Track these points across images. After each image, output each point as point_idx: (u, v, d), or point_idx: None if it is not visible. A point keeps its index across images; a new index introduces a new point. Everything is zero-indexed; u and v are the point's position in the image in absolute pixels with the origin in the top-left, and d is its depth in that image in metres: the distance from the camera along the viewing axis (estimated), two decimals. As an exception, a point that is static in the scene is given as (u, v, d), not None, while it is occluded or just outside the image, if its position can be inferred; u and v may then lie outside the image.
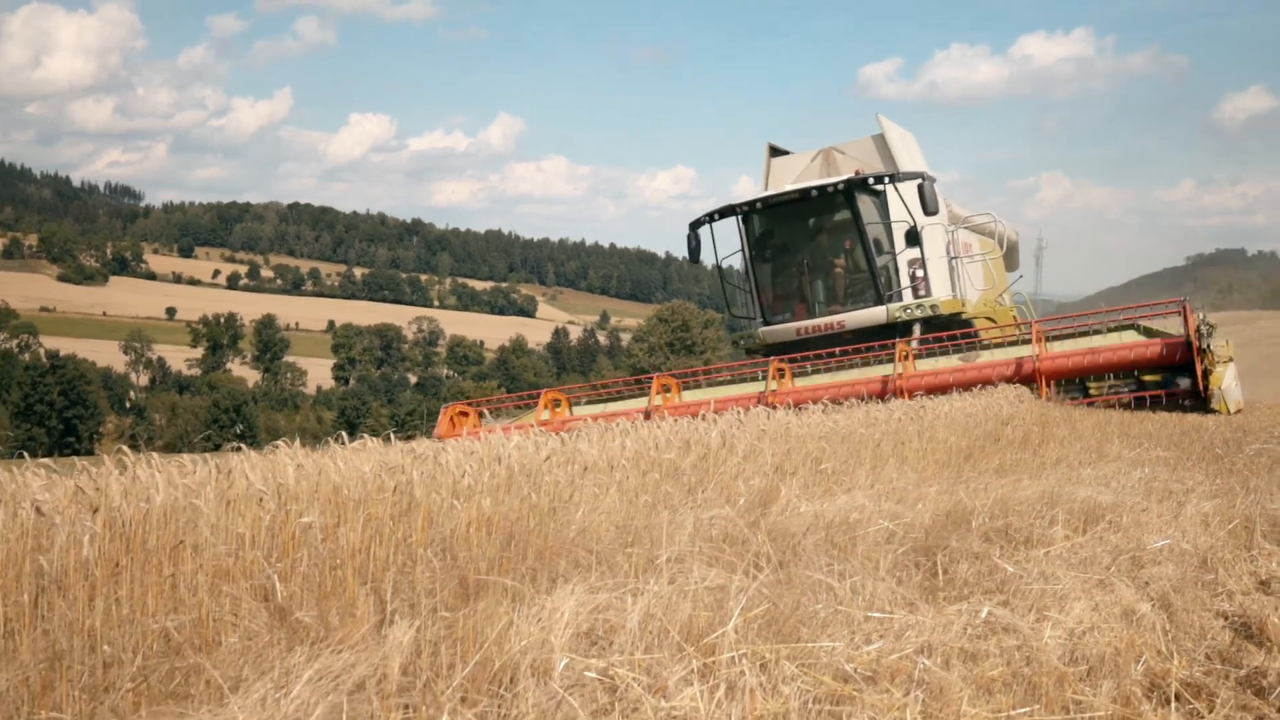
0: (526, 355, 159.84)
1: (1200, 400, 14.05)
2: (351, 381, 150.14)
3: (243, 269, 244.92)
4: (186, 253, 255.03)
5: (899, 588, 3.81)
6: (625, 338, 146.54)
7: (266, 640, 3.19)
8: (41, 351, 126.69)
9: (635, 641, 3.11)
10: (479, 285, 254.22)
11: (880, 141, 19.10)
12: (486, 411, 17.95)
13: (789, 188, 18.16)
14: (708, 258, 18.83)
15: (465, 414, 17.38)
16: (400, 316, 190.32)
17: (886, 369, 14.77)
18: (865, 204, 17.46)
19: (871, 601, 3.62)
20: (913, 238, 17.05)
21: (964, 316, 17.83)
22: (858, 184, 17.13)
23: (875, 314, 17.09)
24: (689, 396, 16.20)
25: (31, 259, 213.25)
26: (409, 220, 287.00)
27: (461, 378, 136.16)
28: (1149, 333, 14.87)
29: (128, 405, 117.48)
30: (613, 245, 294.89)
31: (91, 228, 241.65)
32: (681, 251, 19.02)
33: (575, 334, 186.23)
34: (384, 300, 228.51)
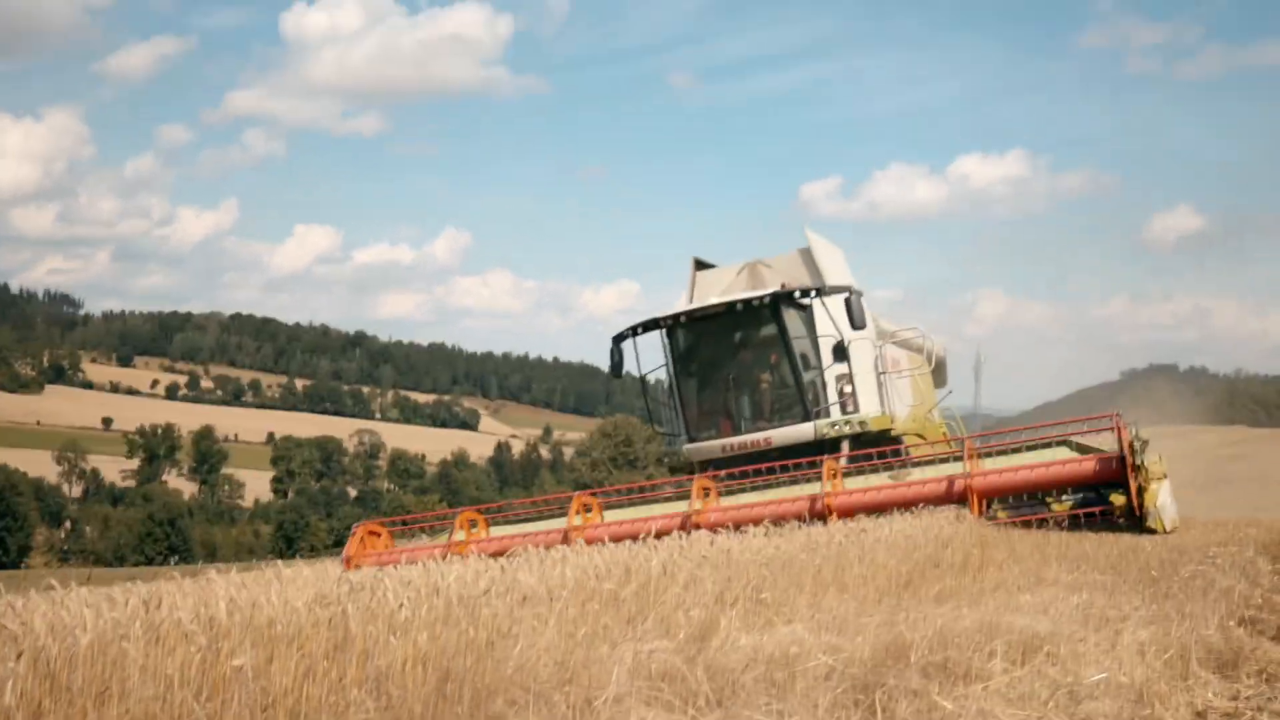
0: (469, 469, 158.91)
1: (1135, 519, 13.87)
2: (290, 494, 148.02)
3: (182, 379, 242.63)
4: (125, 362, 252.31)
5: (839, 728, 3.80)
6: (568, 452, 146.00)
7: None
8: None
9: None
10: (421, 398, 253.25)
11: (807, 255, 18.91)
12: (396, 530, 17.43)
13: (712, 301, 17.89)
14: (639, 371, 18.64)
15: (376, 534, 16.86)
16: (341, 429, 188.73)
17: (815, 487, 14.39)
18: (791, 318, 17.30)
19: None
20: (840, 353, 16.96)
21: (893, 433, 17.56)
22: (783, 298, 16.99)
23: (803, 430, 16.85)
24: (611, 516, 15.76)
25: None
26: (352, 332, 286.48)
27: (403, 491, 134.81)
28: (1082, 449, 14.68)
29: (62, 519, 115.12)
30: (556, 359, 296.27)
31: (29, 335, 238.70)
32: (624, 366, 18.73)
33: (518, 448, 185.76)
34: (325, 412, 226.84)
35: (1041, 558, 10.08)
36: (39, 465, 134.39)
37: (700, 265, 20.06)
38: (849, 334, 16.68)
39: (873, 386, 17.55)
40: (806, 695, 4.06)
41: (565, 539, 13.45)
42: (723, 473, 16.01)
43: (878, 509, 13.39)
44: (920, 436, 19.02)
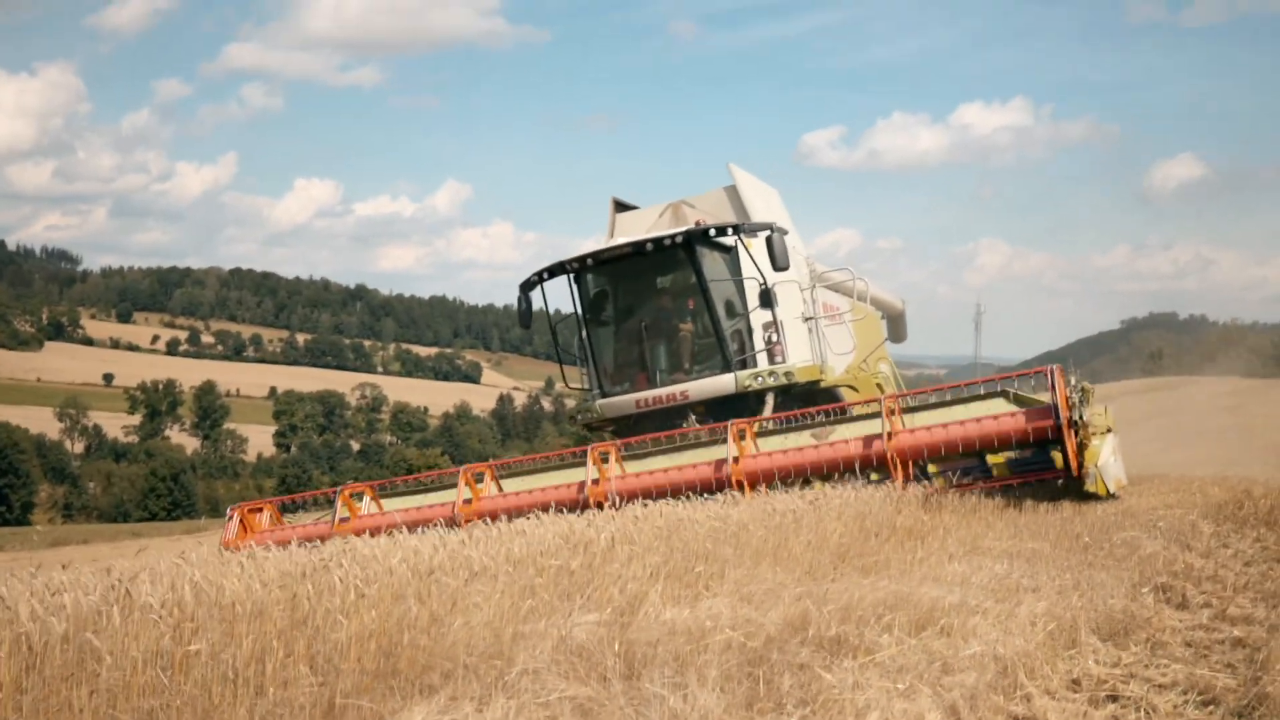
0: (471, 422, 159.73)
1: (1073, 479, 12.52)
2: (293, 449, 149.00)
3: (183, 335, 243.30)
4: (125, 318, 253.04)
5: (724, 698, 4.32)
6: (570, 403, 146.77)
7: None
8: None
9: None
10: (423, 351, 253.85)
11: (733, 193, 17.48)
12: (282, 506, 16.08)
13: (621, 240, 16.47)
14: (558, 324, 17.46)
15: (259, 511, 15.62)
16: (343, 383, 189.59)
17: (724, 450, 12.92)
18: (713, 260, 15.99)
19: (695, 714, 4.12)
20: (767, 298, 15.61)
21: (823, 385, 16.28)
22: (698, 236, 15.49)
23: (723, 382, 15.45)
24: (510, 487, 14.50)
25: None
26: (353, 286, 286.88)
27: (405, 444, 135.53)
28: (1022, 402, 12.92)
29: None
30: (558, 310, 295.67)
31: (27, 292, 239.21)
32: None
33: (520, 400, 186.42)
34: (327, 366, 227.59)
35: (985, 525, 10.51)
36: (41, 422, 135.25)
37: (620, 206, 18.66)
38: (773, 276, 15.42)
39: (802, 334, 16.48)
40: (703, 669, 4.58)
41: (452, 517, 12.84)
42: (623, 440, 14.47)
43: (791, 474, 12.55)
44: (854, 390, 17.66)
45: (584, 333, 17.17)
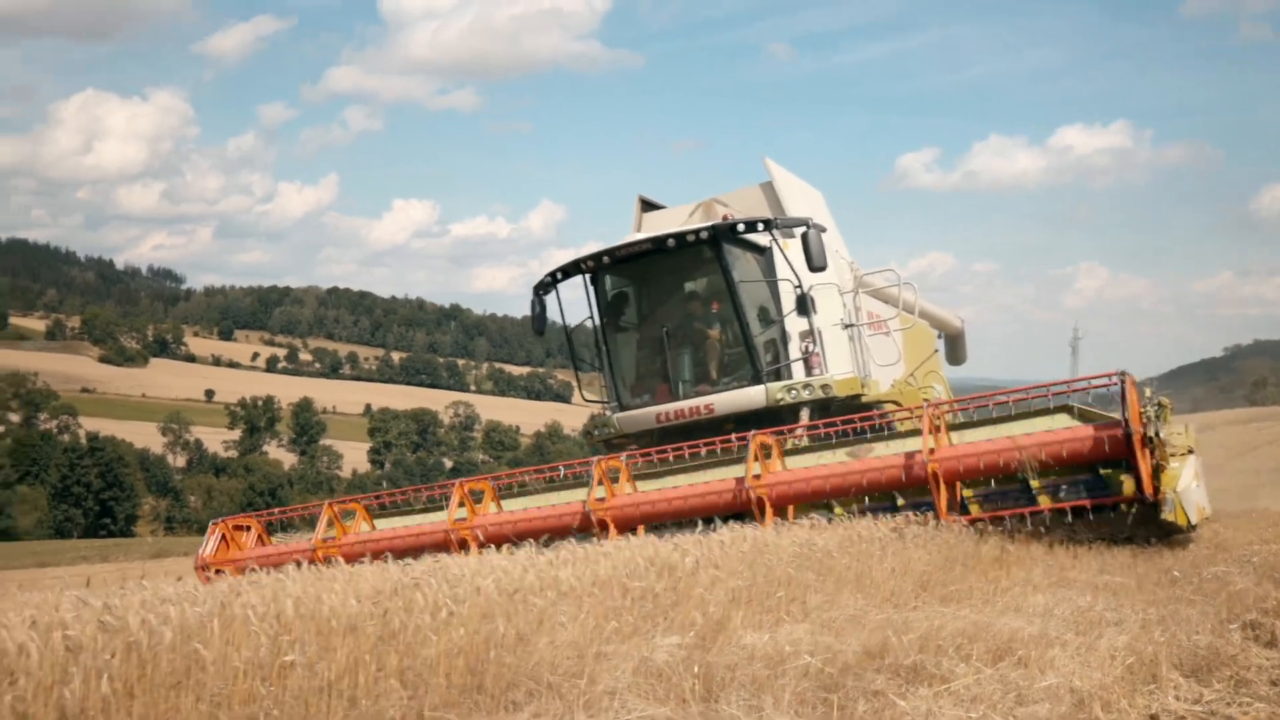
0: (562, 440, 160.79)
1: (1146, 508, 10.92)
2: (387, 465, 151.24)
3: (281, 352, 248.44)
4: (226, 335, 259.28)
5: (798, 723, 4.43)
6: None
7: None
8: (81, 433, 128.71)
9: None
10: (515, 370, 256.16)
11: (769, 190, 16.22)
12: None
13: (639, 236, 15.25)
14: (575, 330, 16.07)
15: (243, 529, 14.82)
16: (437, 401, 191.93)
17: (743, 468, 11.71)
18: (744, 260, 14.65)
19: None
20: (804, 303, 14.28)
21: (865, 400, 14.65)
22: (725, 231, 14.21)
23: (752, 395, 14.15)
24: (510, 506, 13.56)
25: (73, 340, 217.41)
26: (447, 305, 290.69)
27: (497, 462, 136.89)
28: (1085, 418, 11.41)
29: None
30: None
31: (133, 310, 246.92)
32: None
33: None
34: (421, 384, 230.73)
35: (1071, 557, 10.43)
36: (145, 437, 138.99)
37: (648, 205, 17.36)
38: (810, 279, 14.15)
39: (843, 344, 14.94)
40: (778, 693, 4.69)
41: (446, 540, 12.37)
42: (633, 453, 13.53)
43: (820, 497, 11.53)
44: (898, 405, 15.66)
45: (601, 339, 15.80)
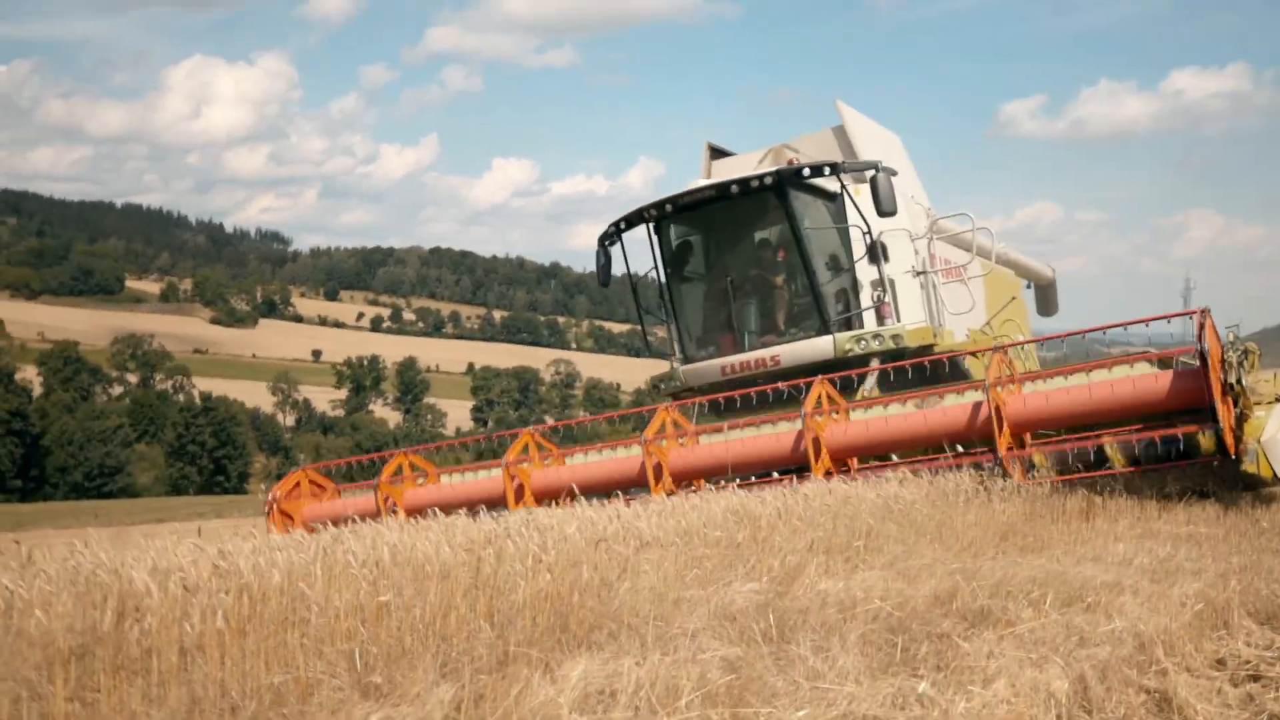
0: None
1: (1229, 460, 10.24)
2: (490, 423, 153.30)
3: (385, 312, 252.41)
4: (332, 296, 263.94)
5: (862, 660, 4.65)
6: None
7: (347, 695, 4.19)
8: (195, 393, 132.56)
9: (629, 703, 4.04)
10: (616, 328, 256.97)
11: (840, 134, 15.65)
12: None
13: (702, 183, 14.82)
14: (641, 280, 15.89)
15: (321, 487, 15.17)
16: (538, 359, 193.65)
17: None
18: (812, 206, 14.23)
19: (834, 674, 4.47)
20: (875, 251, 13.94)
21: (937, 349, 13.98)
22: (790, 176, 13.75)
23: (819, 346, 13.76)
24: (573, 461, 13.37)
25: (186, 303, 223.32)
26: (547, 264, 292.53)
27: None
28: (1166, 365, 10.75)
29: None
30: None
31: (242, 272, 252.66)
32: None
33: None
34: (522, 343, 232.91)
35: (1160, 508, 10.42)
36: (255, 396, 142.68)
37: (716, 153, 16.78)
38: (881, 224, 13.81)
39: (914, 292, 14.58)
40: (844, 635, 4.92)
41: (501, 498, 12.36)
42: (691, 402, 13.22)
43: (882, 449, 11.31)
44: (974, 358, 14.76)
45: (666, 291, 15.50)
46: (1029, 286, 20.57)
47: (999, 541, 8.40)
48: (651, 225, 15.10)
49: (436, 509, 7.62)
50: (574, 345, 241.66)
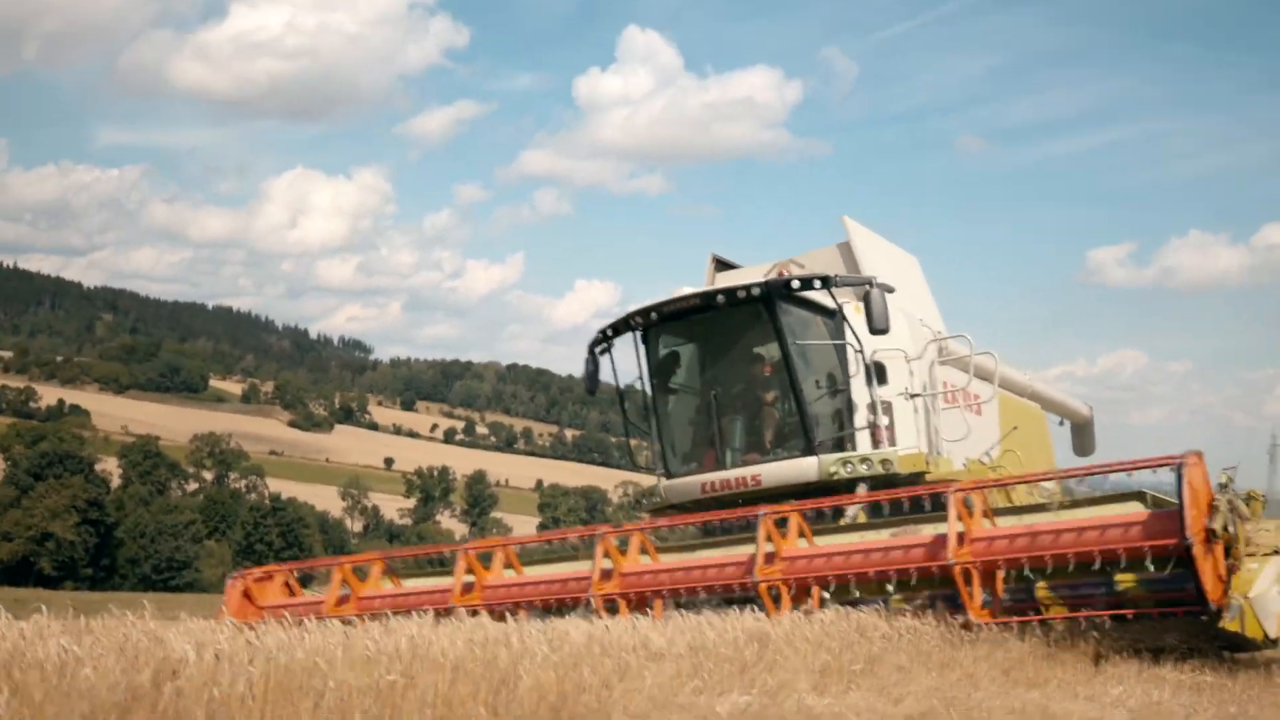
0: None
1: (1209, 614, 9.37)
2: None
3: (459, 424, 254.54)
4: (408, 406, 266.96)
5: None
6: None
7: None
8: (266, 493, 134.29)
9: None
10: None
11: (846, 250, 15.11)
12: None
13: (688, 291, 14.30)
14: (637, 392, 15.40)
15: (269, 577, 14.55)
16: (607, 479, 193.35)
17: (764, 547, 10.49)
18: (804, 321, 13.66)
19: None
20: (875, 371, 13.40)
21: (930, 478, 13.15)
22: (779, 289, 13.30)
23: (803, 467, 13.13)
24: (531, 572, 12.91)
25: (266, 405, 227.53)
26: (622, 386, 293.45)
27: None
28: (1158, 505, 10.06)
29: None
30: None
31: (323, 378, 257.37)
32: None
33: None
34: (592, 462, 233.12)
35: (1178, 654, 10.50)
36: (326, 500, 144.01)
37: (721, 265, 16.35)
38: (875, 343, 13.29)
39: (909, 415, 13.85)
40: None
41: (445, 603, 11.64)
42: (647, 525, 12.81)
43: (834, 580, 10.31)
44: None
45: (651, 402, 15.06)
46: (1062, 423, 20.12)
47: (1001, 676, 8.66)
48: (639, 334, 14.76)
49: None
50: (645, 467, 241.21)
